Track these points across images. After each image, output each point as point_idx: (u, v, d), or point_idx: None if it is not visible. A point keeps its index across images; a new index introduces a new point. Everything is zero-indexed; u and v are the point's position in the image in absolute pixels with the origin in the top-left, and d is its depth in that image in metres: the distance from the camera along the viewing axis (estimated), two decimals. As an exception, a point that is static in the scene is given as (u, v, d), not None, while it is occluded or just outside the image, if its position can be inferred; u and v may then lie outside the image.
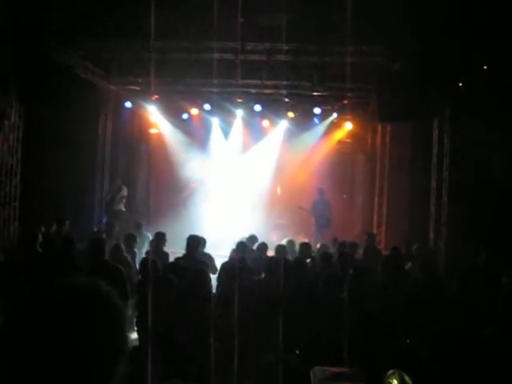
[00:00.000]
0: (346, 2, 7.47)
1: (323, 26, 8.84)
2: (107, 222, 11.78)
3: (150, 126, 15.66)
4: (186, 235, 7.85)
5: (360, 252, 9.04)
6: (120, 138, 14.40)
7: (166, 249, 8.38)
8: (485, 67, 8.95)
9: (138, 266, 7.40)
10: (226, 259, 7.84)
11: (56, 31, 8.95)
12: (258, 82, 11.84)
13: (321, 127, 14.98)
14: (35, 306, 1.14)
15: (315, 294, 5.80)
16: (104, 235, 8.91)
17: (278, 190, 15.60)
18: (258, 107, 13.79)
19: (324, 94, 12.70)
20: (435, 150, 10.54)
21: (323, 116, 14.59)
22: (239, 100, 13.94)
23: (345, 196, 15.65)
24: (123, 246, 7.86)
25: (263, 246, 8.48)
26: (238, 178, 15.10)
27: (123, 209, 13.13)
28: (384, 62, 9.93)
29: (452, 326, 5.12)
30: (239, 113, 14.75)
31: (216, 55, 9.82)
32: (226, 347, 4.65)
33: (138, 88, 13.12)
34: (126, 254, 7.73)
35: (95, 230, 12.08)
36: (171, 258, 7.73)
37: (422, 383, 3.68)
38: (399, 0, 8.11)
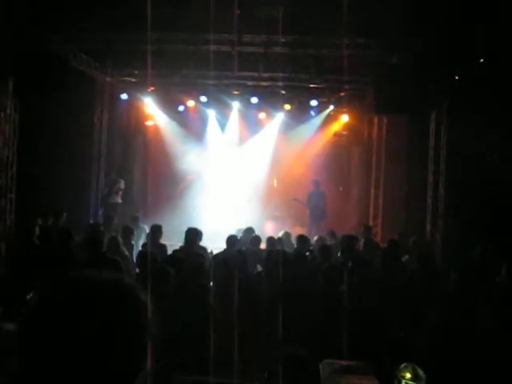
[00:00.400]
0: (343, -6, 7.44)
1: (320, 19, 8.80)
2: (106, 215, 11.75)
3: (146, 118, 15.63)
4: (183, 228, 7.85)
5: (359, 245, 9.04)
6: (116, 129, 14.36)
7: (163, 241, 8.39)
8: (482, 60, 8.95)
9: (134, 259, 7.40)
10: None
11: (52, 23, 8.88)
12: (255, 74, 11.81)
13: (317, 119, 15.00)
14: (63, 301, 1.12)
15: (315, 287, 5.83)
16: (102, 227, 8.91)
17: (275, 183, 15.62)
18: (254, 99, 13.78)
19: (321, 86, 12.70)
20: (432, 143, 10.55)
21: (320, 108, 14.61)
22: (236, 92, 13.91)
23: (341, 188, 15.68)
24: (120, 239, 7.87)
25: (256, 239, 8.49)
26: (235, 171, 15.11)
27: (120, 201, 13.10)
28: (381, 54, 9.93)
29: (448, 318, 5.17)
30: (236, 105, 14.74)
31: (212, 47, 9.76)
32: (225, 339, 4.67)
33: (134, 80, 13.09)
34: (123, 247, 7.74)
35: (91, 222, 12.04)
36: (169, 251, 7.74)
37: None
38: (397, -7, 8.10)
